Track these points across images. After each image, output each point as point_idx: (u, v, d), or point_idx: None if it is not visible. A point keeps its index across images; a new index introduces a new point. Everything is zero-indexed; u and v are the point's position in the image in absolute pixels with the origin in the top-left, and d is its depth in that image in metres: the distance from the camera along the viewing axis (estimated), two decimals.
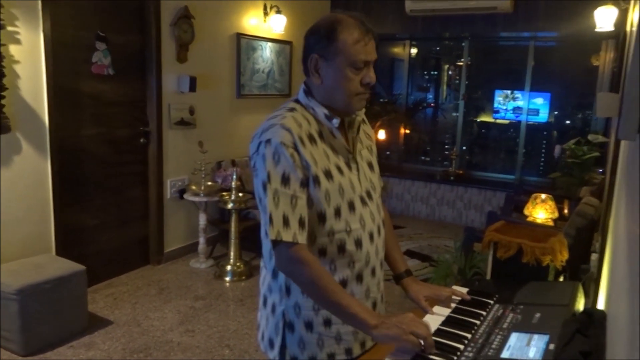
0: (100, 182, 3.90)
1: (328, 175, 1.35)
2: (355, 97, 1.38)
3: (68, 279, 3.07)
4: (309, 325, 1.40)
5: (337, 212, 1.36)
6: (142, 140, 4.18)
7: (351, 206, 1.39)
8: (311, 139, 1.35)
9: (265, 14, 5.23)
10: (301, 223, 1.30)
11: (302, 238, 1.30)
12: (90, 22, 3.68)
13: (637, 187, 1.02)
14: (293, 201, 1.30)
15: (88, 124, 3.76)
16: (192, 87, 4.33)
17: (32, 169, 3.34)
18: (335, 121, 1.39)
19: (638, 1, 2.63)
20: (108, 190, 3.96)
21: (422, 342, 1.24)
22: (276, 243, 1.30)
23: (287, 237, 1.28)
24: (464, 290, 1.65)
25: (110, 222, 4.01)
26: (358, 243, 1.40)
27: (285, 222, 1.28)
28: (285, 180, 1.30)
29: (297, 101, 1.44)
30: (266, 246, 1.43)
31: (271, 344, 1.46)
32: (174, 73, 4.30)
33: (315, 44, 1.36)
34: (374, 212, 1.47)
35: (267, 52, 5.35)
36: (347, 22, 1.33)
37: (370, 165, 1.52)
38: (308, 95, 1.42)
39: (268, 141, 1.31)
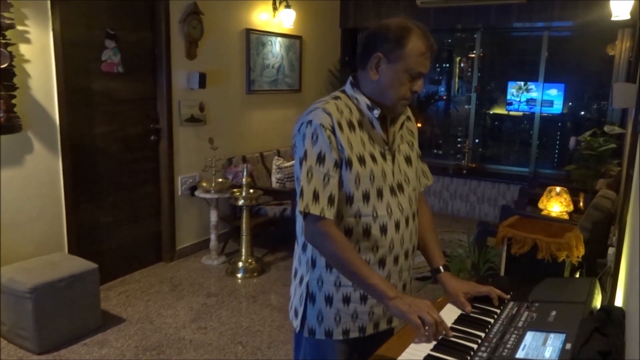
0: (112, 180, 3.91)
1: (361, 160, 1.43)
2: (402, 101, 1.48)
3: (81, 276, 3.08)
4: (329, 300, 1.49)
5: (366, 197, 1.44)
6: (152, 137, 4.18)
7: (379, 193, 1.46)
8: (350, 125, 1.45)
9: (275, 8, 5.19)
10: (330, 200, 1.39)
11: (329, 213, 1.38)
12: (100, 20, 3.68)
13: None
14: (325, 179, 1.39)
15: (99, 122, 3.77)
16: (202, 84, 4.32)
17: (44, 168, 3.36)
18: (376, 112, 1.47)
19: None
20: (120, 188, 3.98)
21: (426, 328, 1.26)
22: (305, 215, 1.39)
23: (315, 210, 1.37)
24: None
25: (122, 220, 4.03)
26: (383, 229, 1.47)
27: (315, 197, 1.37)
28: (320, 159, 1.39)
29: (343, 91, 1.53)
30: (298, 222, 1.52)
31: (296, 314, 1.56)
32: (183, 70, 4.29)
33: (383, 43, 1.42)
34: (403, 203, 1.52)
35: (277, 47, 5.32)
36: (416, 33, 1.41)
37: (408, 160, 1.58)
38: (354, 87, 1.51)
39: (309, 122, 1.41)
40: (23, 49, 3.14)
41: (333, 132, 1.40)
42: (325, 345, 1.52)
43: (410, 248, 1.57)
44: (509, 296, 1.53)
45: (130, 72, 3.94)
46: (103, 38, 3.71)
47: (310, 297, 1.51)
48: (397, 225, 1.49)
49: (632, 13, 3.84)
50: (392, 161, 1.52)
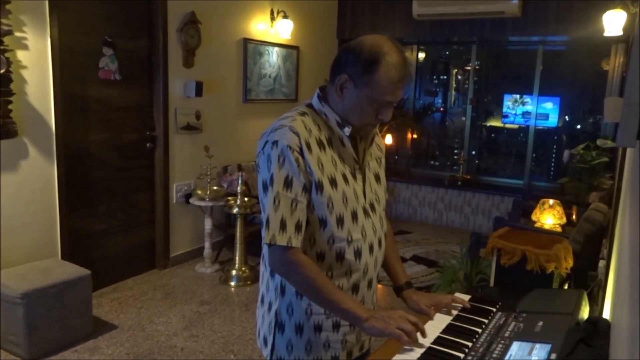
0: (107, 187, 3.91)
1: (333, 182, 1.35)
2: (367, 127, 1.40)
3: (73, 283, 3.08)
4: (299, 328, 1.42)
5: (340, 221, 1.36)
6: (148, 145, 4.19)
7: (354, 216, 1.39)
8: (320, 144, 1.36)
9: (272, 19, 5.24)
10: (298, 227, 1.31)
11: (296, 242, 1.31)
12: (98, 27, 3.70)
13: (638, 192, 1.00)
14: (293, 205, 1.30)
15: (95, 129, 3.78)
16: (199, 92, 4.34)
17: (39, 174, 3.36)
18: (347, 129, 1.38)
19: None
20: (114, 195, 3.98)
21: (407, 336, 1.27)
22: (270, 245, 1.32)
23: (281, 241, 1.30)
24: (466, 297, 1.63)
25: (116, 227, 4.02)
26: (358, 253, 1.41)
27: (282, 225, 1.29)
28: (287, 183, 1.30)
29: (309, 106, 1.43)
30: (265, 245, 1.43)
31: (265, 342, 1.48)
32: (180, 78, 4.32)
33: (351, 65, 1.32)
34: (376, 225, 1.47)
35: (274, 57, 5.36)
36: (390, 59, 1.29)
37: (377, 178, 1.51)
38: (322, 101, 1.41)
39: (275, 143, 1.31)
40: (20, 55, 3.16)
41: (301, 153, 1.30)
42: None
43: (380, 269, 1.54)
44: (469, 305, 1.53)
45: (127, 80, 3.96)
46: (100, 45, 3.73)
47: (279, 326, 1.43)
48: (371, 248, 1.44)
49: (624, 29, 3.89)
50: (363, 180, 1.44)
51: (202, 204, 4.25)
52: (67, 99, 3.49)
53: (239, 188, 4.13)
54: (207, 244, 4.37)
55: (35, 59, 3.25)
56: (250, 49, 5.03)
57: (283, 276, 1.38)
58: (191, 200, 4.31)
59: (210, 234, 4.36)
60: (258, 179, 1.37)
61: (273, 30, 5.27)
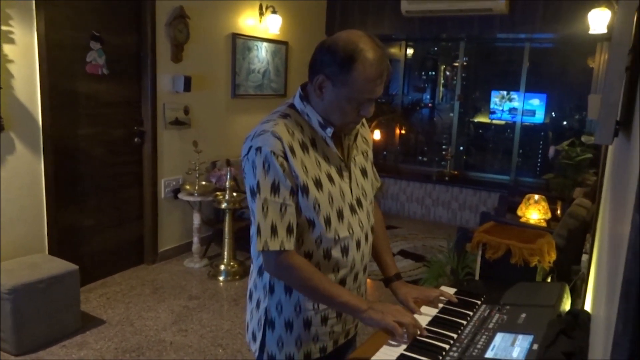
0: (95, 182, 3.90)
1: (318, 184, 1.36)
2: (349, 125, 1.40)
3: (61, 278, 3.07)
4: (289, 325, 1.45)
5: (327, 221, 1.38)
6: (136, 140, 4.18)
7: (340, 215, 1.40)
8: (303, 147, 1.36)
9: (261, 14, 5.23)
10: (289, 230, 1.32)
11: (289, 245, 1.32)
12: (85, 22, 3.68)
13: (619, 188, 1.03)
14: (282, 209, 1.31)
15: (82, 123, 3.76)
16: (187, 87, 4.33)
17: (26, 169, 3.34)
18: (329, 130, 1.37)
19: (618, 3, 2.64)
20: (103, 190, 3.97)
21: (404, 330, 1.32)
22: (264, 252, 1.33)
23: (274, 246, 1.31)
24: (452, 291, 1.67)
25: (105, 222, 4.01)
26: (345, 250, 1.43)
27: (273, 231, 1.30)
28: (274, 189, 1.31)
29: (292, 106, 1.42)
30: (254, 244, 1.42)
31: (254, 338, 1.51)
32: (169, 73, 4.30)
33: (327, 65, 1.29)
34: (363, 220, 1.48)
35: (262, 52, 5.35)
36: (366, 55, 1.26)
37: (363, 172, 1.52)
38: (304, 100, 1.40)
39: (258, 149, 1.30)
40: (7, 49, 3.13)
41: (285, 157, 1.30)
42: None
43: (368, 261, 1.56)
44: (456, 299, 1.57)
45: (115, 75, 3.94)
46: (88, 40, 3.71)
47: (269, 323, 1.45)
48: (358, 244, 1.46)
49: (609, 27, 3.95)
50: (349, 177, 1.45)
51: (191, 199, 4.25)
52: (55, 94, 3.47)
53: (227, 183, 4.14)
54: (195, 239, 4.38)
55: (22, 53, 3.23)
56: (239, 44, 5.02)
57: (280, 279, 1.41)
58: (180, 196, 4.31)
59: (199, 229, 4.36)
60: (245, 183, 1.38)
61: (262, 25, 5.27)
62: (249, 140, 1.36)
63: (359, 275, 1.51)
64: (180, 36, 4.30)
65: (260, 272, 1.47)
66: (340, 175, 1.43)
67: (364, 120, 1.52)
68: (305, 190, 1.33)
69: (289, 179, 1.31)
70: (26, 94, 3.28)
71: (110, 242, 4.06)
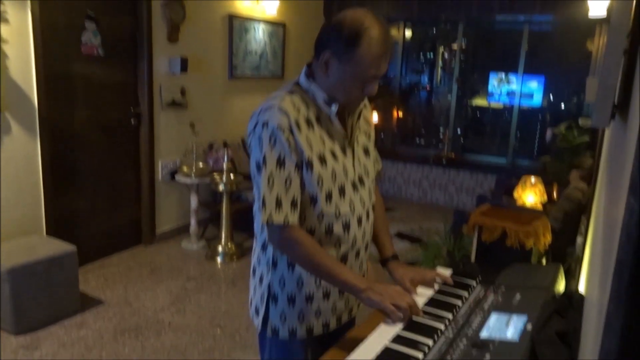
0: (92, 164, 3.89)
1: (322, 160, 1.38)
2: (354, 101, 1.42)
3: (59, 259, 3.08)
4: (291, 300, 1.47)
5: (329, 197, 1.40)
6: (133, 121, 4.16)
7: (342, 191, 1.43)
8: (308, 123, 1.38)
9: None
10: (293, 204, 1.35)
11: (293, 219, 1.35)
12: (80, 2, 3.63)
13: (615, 171, 1.04)
14: (287, 183, 1.34)
15: (78, 105, 3.74)
16: (184, 68, 4.30)
17: (22, 150, 3.33)
18: (334, 107, 1.39)
19: None
20: (100, 172, 3.96)
21: (401, 315, 1.33)
22: (268, 224, 1.35)
23: (278, 219, 1.33)
24: (448, 272, 1.68)
25: (102, 204, 4.02)
26: (346, 227, 1.45)
27: (278, 204, 1.33)
28: (280, 163, 1.33)
29: (297, 84, 1.44)
30: (257, 220, 1.47)
31: (257, 312, 1.54)
32: (165, 54, 4.27)
33: (334, 42, 1.32)
34: (365, 198, 1.50)
35: (260, 33, 5.31)
36: (371, 33, 1.28)
37: (366, 151, 1.55)
38: (309, 78, 1.42)
39: (265, 124, 1.33)
40: (1, 28, 3.09)
41: (291, 133, 1.32)
42: (290, 344, 1.51)
43: (370, 240, 1.58)
44: (452, 281, 1.58)
45: (111, 56, 3.91)
46: (83, 20, 3.67)
47: (272, 298, 1.48)
48: (359, 221, 1.48)
49: (608, 10, 3.93)
50: (352, 155, 1.47)
51: (188, 181, 4.25)
52: (50, 75, 3.45)
53: (224, 165, 4.13)
54: (193, 221, 4.39)
55: (16, 33, 3.19)
56: (236, 25, 4.97)
57: (283, 253, 1.43)
58: (177, 178, 4.31)
59: (196, 211, 4.38)
60: (251, 159, 1.39)
61: (259, 6, 5.21)
62: (255, 115, 1.38)
63: (360, 252, 1.53)
64: (176, 17, 4.25)
65: (263, 248, 1.49)
66: (344, 152, 1.45)
67: (366, 101, 1.54)
68: (309, 165, 1.35)
69: (294, 153, 1.33)
70: (21, 75, 3.25)
71: (107, 224, 4.07)
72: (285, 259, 1.45)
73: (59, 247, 3.17)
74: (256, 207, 1.43)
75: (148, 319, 3.19)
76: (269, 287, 1.48)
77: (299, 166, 1.35)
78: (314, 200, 1.39)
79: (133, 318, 3.20)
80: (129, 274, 3.83)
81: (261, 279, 1.51)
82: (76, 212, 3.82)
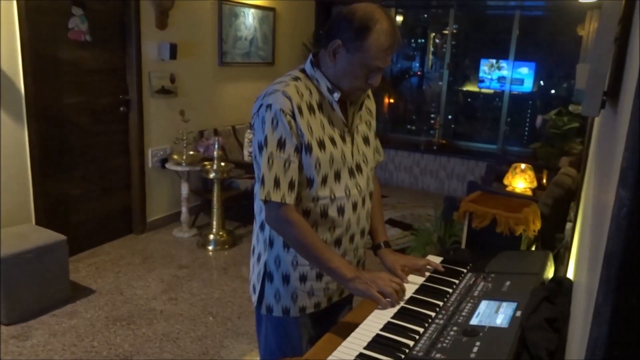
0: (81, 151, 3.85)
1: (321, 145, 1.43)
2: (357, 91, 1.48)
3: (49, 248, 3.06)
4: (286, 279, 1.52)
5: (324, 180, 1.45)
6: (122, 108, 4.12)
7: (337, 176, 1.47)
8: (310, 108, 1.43)
9: None
10: (291, 185, 1.40)
11: (290, 199, 1.40)
12: None
13: (604, 159, 1.04)
14: (286, 165, 1.39)
15: (66, 91, 3.69)
16: (173, 55, 4.25)
17: (9, 137, 3.29)
18: (336, 95, 1.45)
19: None
20: (89, 160, 3.93)
21: (388, 300, 1.37)
22: (266, 202, 1.41)
23: (276, 197, 1.38)
24: (439, 260, 1.69)
25: (92, 192, 3.99)
26: (340, 210, 1.49)
27: (276, 183, 1.38)
28: (281, 144, 1.38)
29: (302, 71, 1.50)
30: (257, 201, 1.53)
31: (254, 290, 1.59)
32: (154, 40, 4.21)
33: (344, 31, 1.38)
34: (361, 184, 1.54)
35: (250, 19, 5.25)
36: (381, 25, 1.35)
37: (365, 140, 1.59)
38: (314, 66, 1.47)
39: (269, 106, 1.38)
40: None
41: (293, 116, 1.38)
42: (285, 321, 1.56)
43: (367, 226, 1.62)
44: (442, 269, 1.60)
45: (99, 42, 3.85)
46: (69, 5, 3.60)
47: (268, 276, 1.54)
48: (354, 206, 1.52)
49: None
50: (351, 142, 1.52)
51: (179, 168, 4.23)
52: (37, 61, 3.39)
53: (215, 153, 4.11)
54: (184, 209, 4.38)
55: (1, 19, 3.13)
56: (226, 10, 4.91)
57: (277, 232, 1.47)
58: (167, 165, 4.28)
59: (187, 199, 4.36)
60: (253, 140, 1.45)
61: None
62: (260, 99, 1.44)
63: (355, 237, 1.57)
64: (165, 2, 4.19)
65: (262, 227, 1.54)
66: (343, 139, 1.50)
67: (369, 92, 1.60)
68: (308, 148, 1.41)
69: (294, 136, 1.39)
70: (7, 60, 3.20)
71: (98, 212, 4.05)
72: (282, 239, 1.49)
73: (49, 236, 3.15)
74: (257, 188, 1.48)
75: (140, 308, 3.19)
76: (265, 265, 1.53)
77: (298, 149, 1.40)
78: (310, 182, 1.44)
79: (125, 307, 3.19)
80: (120, 262, 3.82)
81: (259, 258, 1.56)
82: (66, 200, 3.79)
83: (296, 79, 1.46)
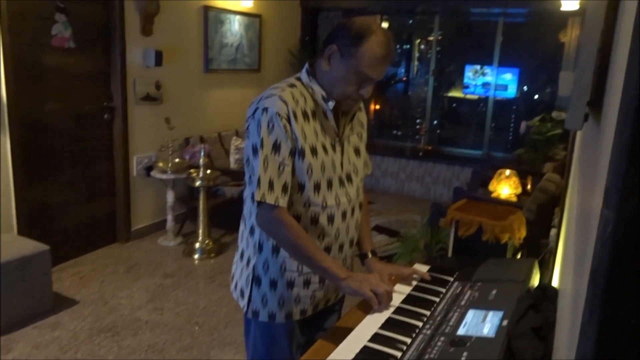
0: (64, 159, 3.80)
1: (314, 151, 1.46)
2: (347, 100, 1.50)
3: (31, 258, 3.01)
4: (273, 284, 1.54)
5: (317, 187, 1.48)
6: (106, 115, 4.07)
7: (329, 184, 1.50)
8: (305, 115, 1.46)
9: None
10: (284, 188, 1.42)
11: (283, 202, 1.42)
12: None
13: (587, 170, 1.05)
14: (280, 168, 1.41)
15: (50, 98, 3.64)
16: (158, 61, 4.22)
17: None
18: (331, 103, 1.48)
19: None
20: (72, 167, 3.87)
21: (378, 299, 1.40)
22: (260, 204, 1.42)
23: (270, 199, 1.40)
24: (425, 268, 1.69)
25: (76, 200, 3.93)
26: (330, 219, 1.52)
27: (271, 185, 1.40)
28: (276, 147, 1.41)
29: (298, 79, 1.53)
30: (247, 205, 1.55)
31: (242, 294, 1.59)
32: (139, 46, 4.18)
33: (341, 37, 1.43)
34: (351, 194, 1.57)
35: (235, 25, 5.24)
36: (378, 37, 1.40)
37: (356, 151, 1.62)
38: (310, 75, 1.51)
39: (265, 109, 1.41)
40: None
41: (289, 121, 1.41)
42: (272, 327, 1.57)
43: (355, 236, 1.64)
44: (429, 277, 1.61)
45: (83, 48, 3.81)
46: (53, 11, 3.56)
47: (256, 280, 1.55)
48: (344, 215, 1.54)
49: (580, 3, 3.98)
50: (342, 152, 1.55)
51: (164, 176, 4.19)
52: (19, 67, 3.35)
53: (201, 160, 4.08)
54: (169, 217, 4.33)
55: None
56: (211, 16, 4.90)
57: (269, 233, 1.49)
58: (152, 173, 4.24)
59: (173, 207, 4.32)
60: (247, 142, 1.47)
61: None
62: (255, 103, 1.46)
63: (344, 246, 1.59)
64: (150, 8, 4.16)
65: (251, 231, 1.55)
66: (334, 148, 1.53)
67: (361, 105, 1.63)
68: (302, 154, 1.43)
69: (289, 140, 1.41)
70: None
71: (81, 220, 3.99)
72: (271, 243, 1.50)
73: (31, 245, 3.10)
74: (247, 192, 1.52)
75: (124, 318, 3.15)
76: (254, 269, 1.54)
77: (292, 153, 1.43)
78: (301, 187, 1.46)
79: (109, 317, 3.15)
80: (104, 272, 3.77)
81: (248, 262, 1.57)
82: (48, 208, 3.73)
83: (292, 85, 1.48)
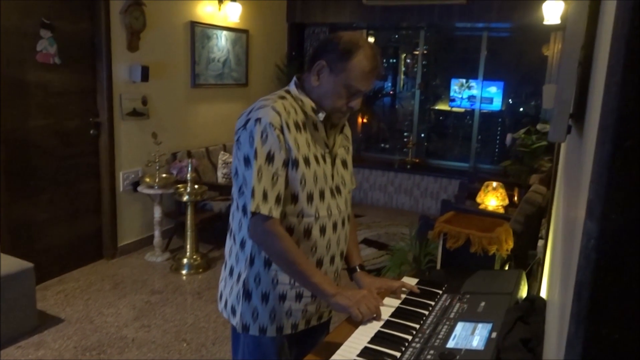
0: (50, 175, 3.76)
1: (307, 162, 1.47)
2: (337, 113, 1.51)
3: (14, 277, 2.96)
4: (265, 297, 1.52)
5: (310, 197, 1.48)
6: (92, 131, 4.05)
7: (322, 195, 1.51)
8: (297, 126, 1.47)
9: (220, 1, 5.12)
10: (278, 199, 1.42)
11: (276, 213, 1.42)
12: (34, 8, 3.51)
13: (571, 183, 1.06)
14: (274, 178, 1.41)
15: (35, 114, 3.61)
16: (145, 77, 4.21)
17: None
18: (321, 115, 1.50)
19: None
20: (58, 183, 3.83)
21: (365, 317, 1.41)
22: (254, 215, 1.41)
23: (264, 210, 1.39)
24: (414, 281, 1.69)
25: (61, 216, 3.88)
26: (323, 230, 1.52)
27: (265, 196, 1.39)
28: (269, 158, 1.40)
29: (287, 91, 1.53)
30: (236, 218, 1.53)
31: (233, 311, 1.56)
32: (125, 62, 4.17)
33: (329, 53, 1.45)
34: (341, 205, 1.58)
35: (222, 41, 5.26)
36: (366, 51, 1.43)
37: (344, 164, 1.64)
38: (299, 88, 1.52)
39: (258, 120, 1.40)
40: None
41: (282, 131, 1.41)
42: (262, 341, 1.55)
43: (345, 248, 1.64)
44: (418, 290, 1.61)
45: (68, 64, 3.79)
46: (37, 27, 3.55)
47: (245, 295, 1.52)
48: (334, 226, 1.55)
49: (562, 18, 4.06)
50: (332, 164, 1.56)
51: (151, 191, 4.16)
52: (3, 83, 3.32)
53: (188, 175, 4.06)
54: (156, 233, 4.29)
55: None
56: (198, 32, 4.91)
57: (261, 245, 1.47)
58: (139, 189, 4.20)
59: (160, 222, 4.28)
60: (238, 153, 1.45)
61: (221, 13, 5.16)
62: (245, 114, 1.46)
63: (335, 258, 1.59)
64: (136, 24, 4.16)
65: (242, 245, 1.53)
66: (325, 160, 1.54)
67: (346, 121, 1.64)
68: (295, 164, 1.44)
69: (283, 150, 1.41)
70: None
71: (66, 237, 3.94)
72: (263, 256, 1.49)
73: (15, 264, 3.04)
74: (234, 206, 1.52)
75: (111, 336, 3.09)
76: (244, 283, 1.52)
77: (286, 163, 1.43)
78: (295, 198, 1.46)
79: (95, 335, 3.09)
80: (90, 289, 3.71)
81: (238, 277, 1.54)
82: (33, 226, 3.68)
83: (282, 97, 1.49)
